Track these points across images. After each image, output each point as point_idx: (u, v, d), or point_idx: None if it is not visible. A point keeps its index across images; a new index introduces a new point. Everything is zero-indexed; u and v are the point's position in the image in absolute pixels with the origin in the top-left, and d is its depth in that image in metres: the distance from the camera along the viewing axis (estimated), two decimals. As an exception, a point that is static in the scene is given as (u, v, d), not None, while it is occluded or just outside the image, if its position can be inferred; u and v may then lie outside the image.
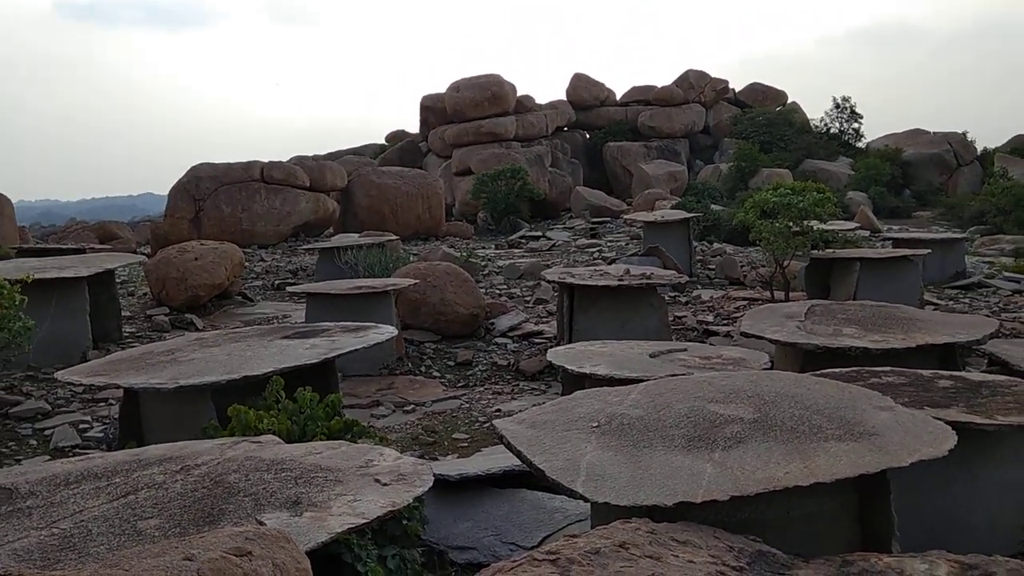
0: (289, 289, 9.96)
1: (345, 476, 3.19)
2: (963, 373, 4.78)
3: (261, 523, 2.77)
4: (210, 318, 10.24)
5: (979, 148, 29.05)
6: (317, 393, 4.56)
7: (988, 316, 9.00)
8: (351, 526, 2.77)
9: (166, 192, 17.31)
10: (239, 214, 16.42)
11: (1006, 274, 12.41)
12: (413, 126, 30.13)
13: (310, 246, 14.66)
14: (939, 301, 10.41)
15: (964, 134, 28.79)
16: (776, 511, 2.92)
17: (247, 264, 13.27)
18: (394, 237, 14.09)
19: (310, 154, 28.62)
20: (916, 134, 29.67)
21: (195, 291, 10.31)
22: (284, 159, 18.68)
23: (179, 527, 2.80)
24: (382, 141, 32.43)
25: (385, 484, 3.09)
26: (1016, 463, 3.88)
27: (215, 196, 16.52)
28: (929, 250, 10.67)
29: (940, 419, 3.40)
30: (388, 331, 6.21)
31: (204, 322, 9.94)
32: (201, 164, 17.21)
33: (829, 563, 2.46)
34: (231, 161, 17.27)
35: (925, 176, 26.86)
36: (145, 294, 11.16)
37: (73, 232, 19.10)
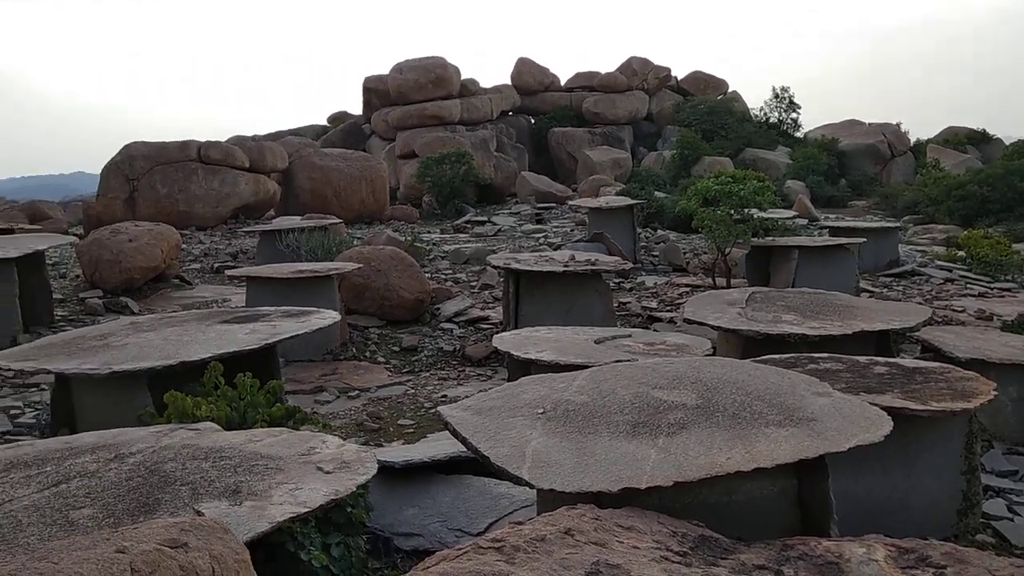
0: (228, 272, 9.74)
1: (286, 464, 3.13)
2: (898, 360, 4.91)
3: (199, 513, 2.69)
4: (146, 301, 9.96)
5: (912, 139, 29.94)
6: (257, 379, 4.46)
7: (921, 304, 9.29)
8: (293, 515, 2.71)
9: (99, 171, 16.76)
10: (176, 195, 16.00)
11: (938, 263, 12.82)
12: (355, 107, 29.74)
13: (250, 228, 14.34)
14: (874, 289, 10.69)
15: (898, 125, 29.64)
16: (718, 496, 2.95)
17: (185, 246, 12.95)
18: (337, 220, 13.86)
19: (249, 135, 28.01)
20: (852, 125, 30.42)
21: (130, 274, 10.01)
22: (222, 139, 18.25)
23: (113, 517, 2.71)
24: (324, 122, 31.90)
25: (328, 472, 3.03)
26: (949, 448, 4.01)
27: (150, 176, 16.06)
28: (864, 239, 10.94)
29: (876, 405, 3.49)
30: (331, 316, 6.11)
31: (140, 306, 9.66)
32: (135, 143, 16.70)
33: (770, 547, 2.50)
34: (166, 140, 16.82)
35: (860, 166, 27.54)
36: (77, 276, 10.79)
37: (1, 212, 18.37)
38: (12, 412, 6.16)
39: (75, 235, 12.93)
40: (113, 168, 16.20)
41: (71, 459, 3.21)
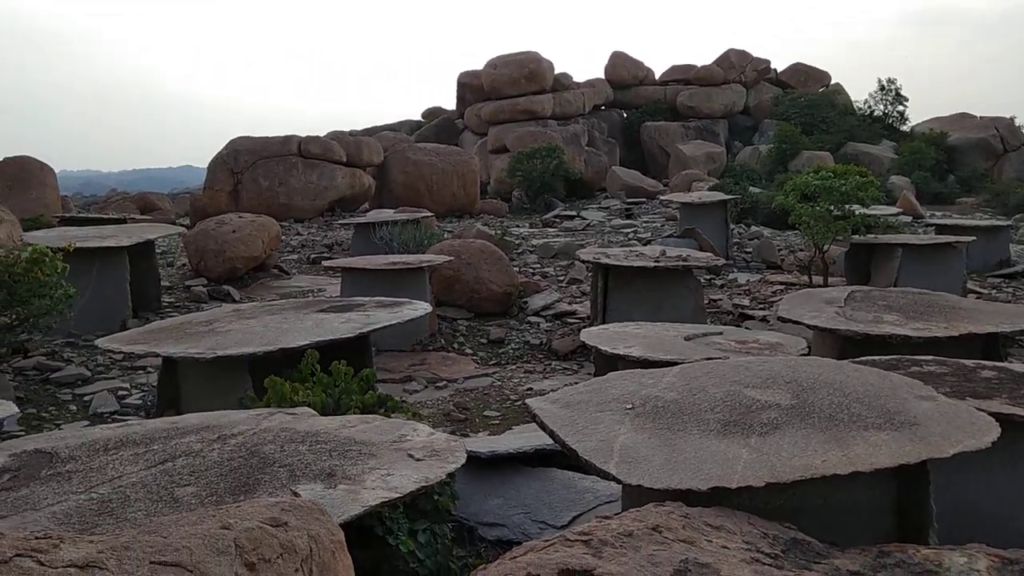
0: (325, 263, 10.02)
1: (379, 450, 3.20)
2: (1007, 364, 4.67)
3: (296, 494, 2.79)
4: (247, 290, 10.36)
5: (1027, 134, 28.28)
6: (351, 367, 4.59)
7: (1033, 306, 8.80)
8: (384, 500, 2.78)
9: (205, 165, 17.51)
10: (276, 188, 16.56)
11: (1052, 263, 12.11)
12: (450, 103, 30.08)
13: (346, 221, 14.73)
14: (982, 290, 10.19)
15: (1012, 119, 28.02)
16: (812, 499, 2.87)
17: (283, 237, 13.39)
18: (429, 214, 14.10)
19: (347, 129, 28.71)
20: (962, 118, 28.95)
21: (233, 263, 10.43)
22: (321, 134, 18.76)
23: (215, 495, 2.83)
24: (418, 118, 32.40)
25: (418, 459, 3.09)
26: (1061, 457, 3.79)
27: (253, 169, 16.66)
28: (973, 237, 10.44)
29: (983, 410, 3.33)
30: (422, 307, 6.22)
31: (241, 294, 10.06)
32: (240, 137, 17.35)
33: (865, 553, 2.42)
34: (269, 135, 17.40)
35: (970, 161, 26.21)
36: (184, 265, 11.31)
37: (114, 202, 19.40)
38: (120, 393, 6.51)
39: (182, 226, 13.55)
40: (219, 162, 16.88)
41: (176, 439, 3.36)
